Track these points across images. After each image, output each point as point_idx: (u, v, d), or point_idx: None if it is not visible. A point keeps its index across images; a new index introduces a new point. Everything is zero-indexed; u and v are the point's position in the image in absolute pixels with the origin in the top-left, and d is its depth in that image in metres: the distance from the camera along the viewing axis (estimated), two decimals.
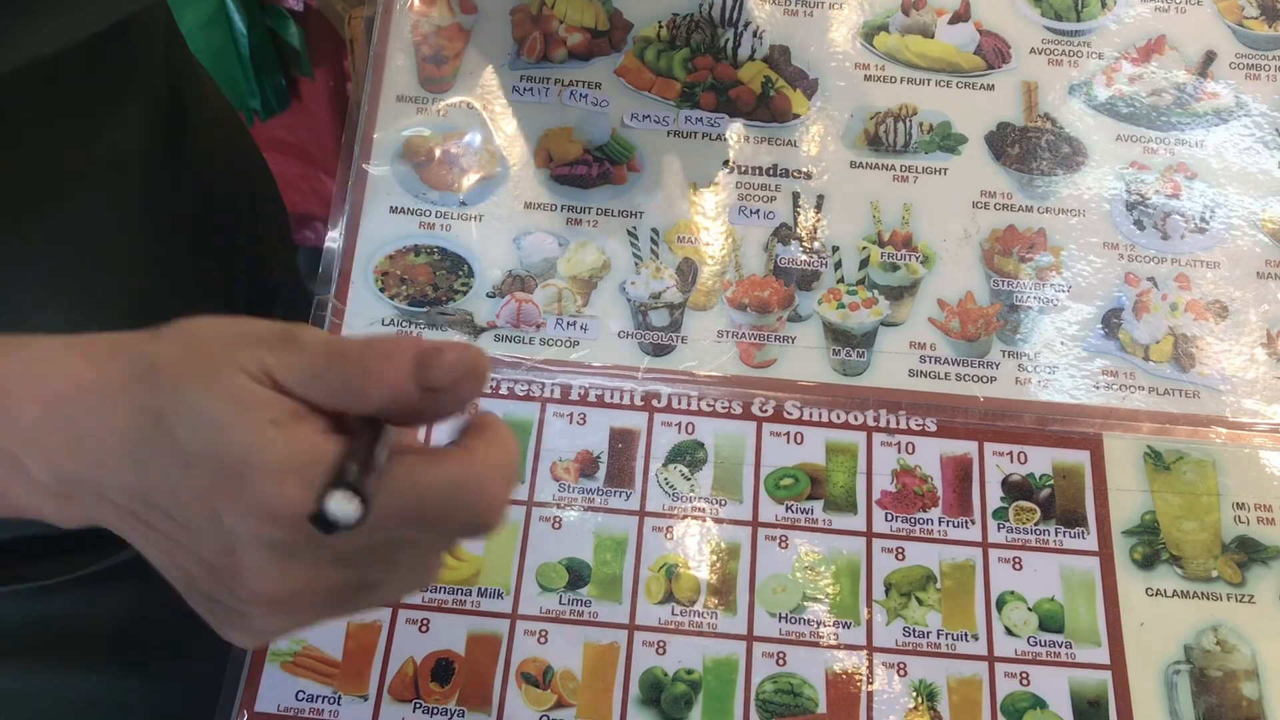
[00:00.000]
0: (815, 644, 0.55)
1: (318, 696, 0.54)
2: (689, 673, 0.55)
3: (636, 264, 0.64)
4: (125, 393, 0.37)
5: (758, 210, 0.65)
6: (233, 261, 0.69)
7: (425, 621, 0.56)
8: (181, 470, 0.35)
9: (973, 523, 0.58)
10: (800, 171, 0.66)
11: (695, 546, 0.58)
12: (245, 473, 0.34)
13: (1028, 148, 0.66)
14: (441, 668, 0.55)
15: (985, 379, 0.62)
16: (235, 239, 0.70)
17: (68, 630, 0.62)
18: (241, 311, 0.68)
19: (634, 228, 0.65)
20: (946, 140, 0.66)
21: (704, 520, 0.58)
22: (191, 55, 0.67)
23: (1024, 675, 0.55)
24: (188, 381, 0.36)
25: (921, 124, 0.67)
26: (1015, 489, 0.59)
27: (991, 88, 0.68)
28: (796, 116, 0.67)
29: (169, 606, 0.64)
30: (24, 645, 0.61)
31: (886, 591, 0.57)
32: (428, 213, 0.65)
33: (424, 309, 0.63)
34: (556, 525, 0.58)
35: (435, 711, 0.54)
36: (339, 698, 0.54)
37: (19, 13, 0.44)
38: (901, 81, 0.68)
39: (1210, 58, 0.68)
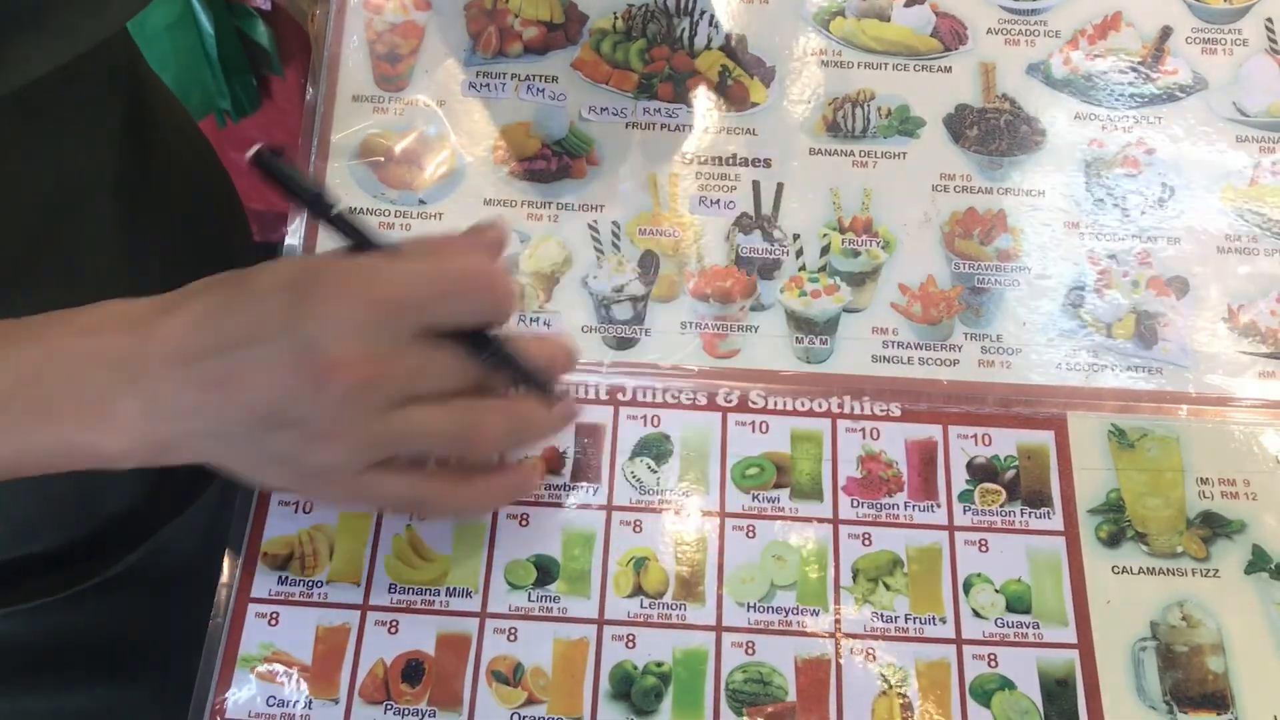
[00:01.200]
0: (784, 632, 0.56)
1: (289, 701, 0.54)
2: (659, 665, 0.55)
3: (598, 258, 0.64)
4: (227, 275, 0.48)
5: (718, 200, 0.65)
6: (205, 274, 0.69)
7: (394, 623, 0.56)
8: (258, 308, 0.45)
9: (938, 506, 0.59)
10: (760, 160, 0.66)
11: (663, 539, 0.58)
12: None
13: (986, 129, 0.66)
14: (412, 668, 0.55)
15: (948, 362, 0.62)
16: (205, 251, 0.69)
17: (70, 645, 0.62)
18: None
19: (595, 221, 0.65)
20: (905, 124, 0.66)
21: (671, 512, 0.58)
22: (149, 68, 0.67)
23: (992, 657, 0.55)
24: None
25: (880, 108, 0.67)
26: (980, 471, 0.59)
27: (949, 70, 0.67)
28: (755, 105, 0.67)
29: (162, 617, 0.64)
30: (23, 663, 0.62)
31: (854, 578, 0.57)
32: (387, 212, 0.65)
33: None
34: (524, 522, 0.58)
35: (406, 713, 0.54)
36: (310, 701, 0.54)
37: (10, 38, 0.44)
38: (859, 66, 0.67)
39: (1166, 33, 0.68)
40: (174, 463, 0.49)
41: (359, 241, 0.48)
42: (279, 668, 0.54)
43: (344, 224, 0.48)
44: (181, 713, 0.54)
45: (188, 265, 0.67)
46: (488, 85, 0.67)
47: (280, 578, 0.56)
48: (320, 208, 0.48)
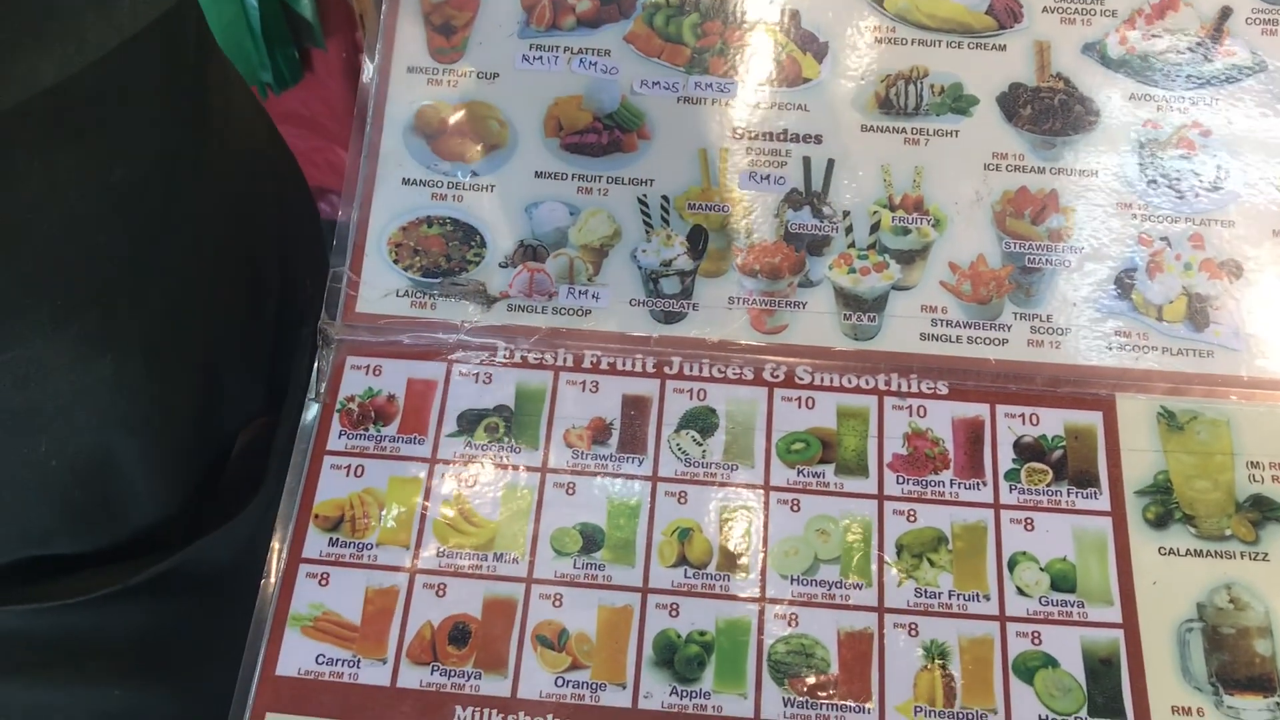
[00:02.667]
0: (827, 605, 0.56)
1: (338, 660, 0.55)
2: (702, 634, 0.55)
3: (647, 232, 0.64)
4: None
5: (768, 176, 0.65)
6: (260, 272, 0.68)
7: (442, 586, 0.57)
8: None
9: (984, 484, 0.59)
10: (811, 136, 0.66)
11: (707, 511, 0.58)
12: None
13: (1040, 108, 0.66)
14: (458, 631, 0.56)
15: (997, 341, 0.62)
16: (262, 249, 0.68)
17: (90, 646, 0.63)
18: (266, 326, 0.66)
19: (644, 195, 0.65)
20: (958, 102, 0.66)
21: (716, 485, 0.59)
22: (224, 59, 0.65)
23: (1035, 634, 0.55)
24: None
25: (933, 86, 0.66)
26: (1027, 450, 0.59)
27: (1003, 48, 0.67)
28: (807, 81, 0.67)
29: (188, 622, 0.64)
30: (47, 660, 0.62)
31: (898, 553, 0.57)
32: (440, 184, 0.65)
33: (437, 280, 0.63)
34: (570, 491, 0.59)
35: (452, 674, 0.55)
36: (358, 661, 0.55)
37: (14, 46, 0.43)
38: (912, 43, 0.67)
39: (1226, 13, 0.67)
40: None
41: None
42: (328, 628, 0.55)
43: None
44: (210, 715, 0.55)
45: (243, 264, 0.66)
46: (540, 58, 0.68)
47: (331, 539, 0.57)
48: None
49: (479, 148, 0.66)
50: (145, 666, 0.64)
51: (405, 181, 0.65)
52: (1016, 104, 0.66)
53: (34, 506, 0.58)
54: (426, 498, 0.58)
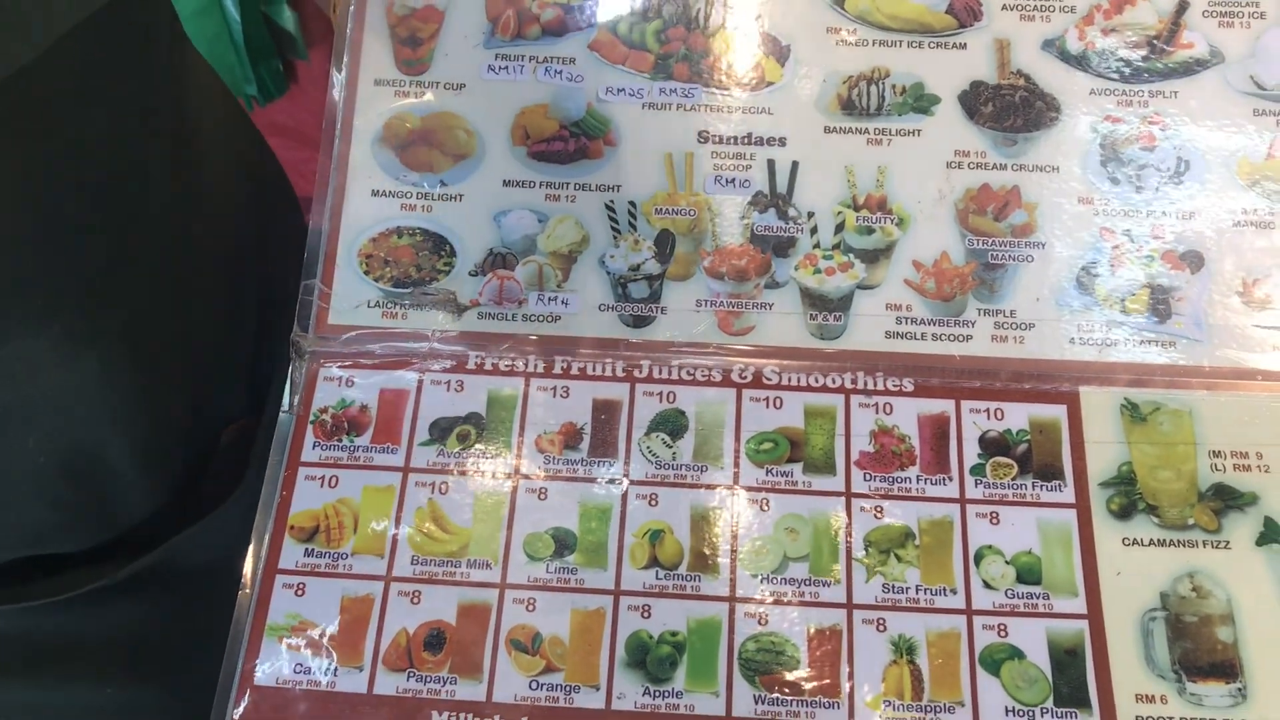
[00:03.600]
0: (796, 603, 0.57)
1: (315, 668, 0.56)
2: (673, 635, 0.56)
3: (615, 237, 0.65)
4: None
5: (733, 179, 0.66)
6: (240, 272, 0.68)
7: (417, 593, 0.57)
8: None
9: (950, 480, 0.59)
10: (775, 139, 0.66)
11: (678, 512, 0.59)
12: None
13: (1001, 105, 0.66)
14: (433, 637, 0.56)
15: (962, 338, 0.62)
16: (242, 250, 0.69)
17: (80, 644, 0.63)
18: (246, 326, 0.67)
19: (611, 201, 0.66)
20: (919, 101, 0.67)
21: (686, 486, 0.59)
22: (202, 61, 0.66)
23: (1002, 627, 0.56)
24: None
25: (894, 86, 0.67)
26: (992, 445, 0.60)
27: (964, 46, 0.68)
28: (770, 84, 0.67)
29: (175, 619, 0.64)
30: (38, 660, 0.63)
31: (866, 549, 0.58)
32: (409, 194, 0.66)
33: (408, 290, 0.64)
34: (543, 496, 0.60)
35: (428, 679, 0.55)
36: (335, 669, 0.56)
37: None
38: (873, 44, 0.68)
39: (1183, 7, 0.68)
40: None
41: None
42: (305, 637, 0.56)
43: None
44: (203, 709, 0.56)
45: (225, 258, 0.67)
46: (506, 68, 0.68)
47: (307, 550, 0.58)
48: None
49: (447, 158, 0.67)
50: (136, 663, 0.65)
51: (375, 193, 0.66)
52: (978, 102, 0.67)
53: (27, 504, 0.58)
54: (400, 506, 0.59)
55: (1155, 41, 0.67)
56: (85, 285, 0.54)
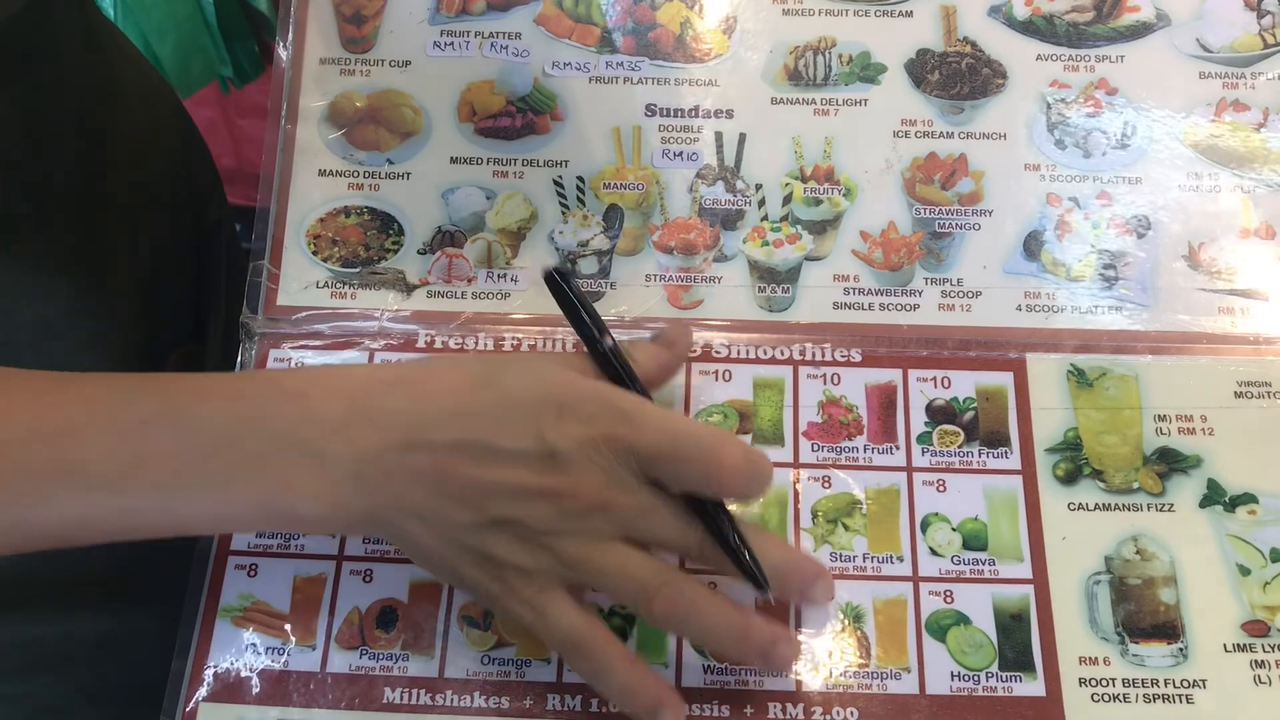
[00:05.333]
0: None
1: (269, 648, 0.56)
2: (624, 607, 0.57)
3: (564, 213, 0.65)
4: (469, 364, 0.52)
5: (681, 152, 0.66)
6: (175, 198, 0.72)
7: (369, 572, 0.58)
8: (506, 410, 0.48)
9: (897, 448, 0.60)
10: (722, 111, 0.66)
11: None
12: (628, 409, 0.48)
13: (948, 73, 0.66)
14: (386, 615, 0.57)
15: (909, 307, 0.63)
16: (176, 189, 0.72)
17: (75, 576, 0.64)
18: (185, 254, 0.71)
19: (560, 177, 0.66)
20: (866, 70, 0.67)
21: None
22: (117, 34, 0.68)
23: (948, 593, 0.57)
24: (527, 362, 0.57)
25: (841, 55, 0.67)
26: (939, 413, 0.60)
27: (910, 14, 0.68)
28: (716, 56, 0.67)
29: (172, 547, 0.65)
30: (35, 595, 0.63)
31: (814, 519, 0.58)
32: (355, 173, 0.66)
33: (356, 269, 0.64)
34: None
35: (380, 657, 0.56)
36: (289, 648, 0.56)
37: None
38: (819, 14, 0.68)
39: None
40: (368, 534, 0.55)
41: (621, 377, 0.52)
42: (258, 617, 0.57)
43: (613, 360, 0.52)
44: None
45: (161, 230, 0.69)
46: (452, 44, 0.68)
47: (258, 531, 0.59)
48: (595, 338, 0.52)
49: (394, 136, 0.67)
50: (133, 592, 0.66)
51: (321, 172, 0.66)
52: (924, 70, 0.67)
53: None
54: None
55: (1101, 6, 0.67)
56: (45, 218, 0.57)
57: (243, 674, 0.56)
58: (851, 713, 0.54)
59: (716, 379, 0.62)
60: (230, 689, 0.55)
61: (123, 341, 0.64)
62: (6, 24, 0.55)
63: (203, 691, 0.55)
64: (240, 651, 0.56)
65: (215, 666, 0.56)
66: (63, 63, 0.61)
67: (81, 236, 0.62)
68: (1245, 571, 0.56)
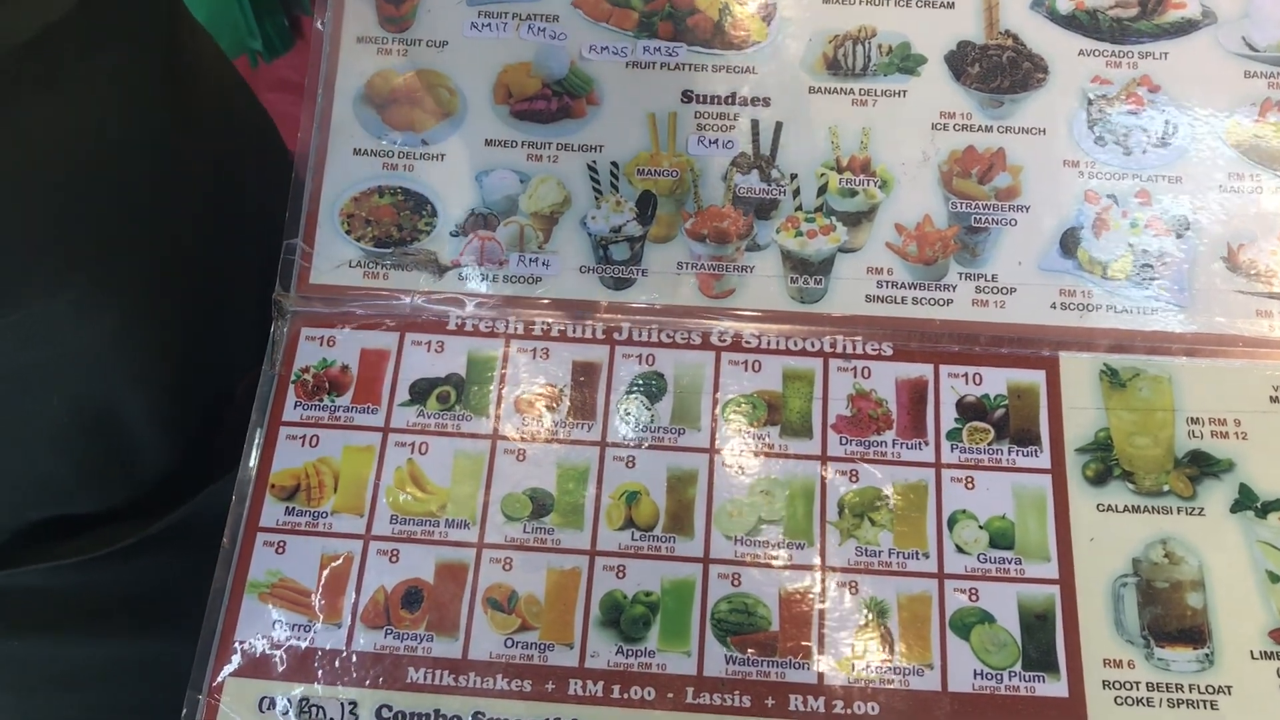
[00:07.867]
0: (769, 565, 0.57)
1: (295, 625, 0.57)
2: (647, 595, 0.57)
3: (597, 198, 0.65)
4: None
5: (716, 140, 0.65)
6: (245, 223, 0.69)
7: (395, 552, 0.58)
8: None
9: (926, 444, 0.59)
10: (759, 99, 0.66)
11: (654, 474, 0.59)
12: None
13: (988, 66, 0.66)
14: (411, 595, 0.57)
15: (942, 302, 0.62)
16: (246, 202, 0.70)
17: (111, 600, 0.65)
18: (253, 276, 0.69)
19: (593, 162, 0.65)
20: (906, 61, 0.66)
21: (663, 449, 0.60)
22: (193, 20, 0.67)
23: (973, 591, 0.56)
24: None
25: (880, 46, 0.66)
26: (970, 410, 0.60)
27: (951, 6, 0.67)
28: (755, 43, 0.67)
29: (202, 572, 0.66)
30: (70, 616, 0.64)
31: (840, 513, 0.58)
32: (390, 153, 0.66)
33: (389, 250, 0.64)
34: (521, 458, 0.60)
35: (405, 636, 0.56)
36: (315, 625, 0.57)
37: None
38: (860, 3, 0.67)
39: None
40: None
41: None
42: (285, 594, 0.57)
43: None
44: None
45: (228, 211, 0.67)
46: (489, 25, 0.68)
47: (287, 508, 0.59)
48: None
49: (429, 117, 0.66)
50: (165, 617, 0.66)
51: (356, 152, 0.66)
52: (964, 62, 0.66)
53: (52, 463, 0.60)
54: (380, 466, 0.60)
55: (1146, 1, 0.66)
56: (100, 246, 0.55)
57: (269, 650, 0.56)
58: (873, 708, 0.54)
59: (746, 369, 0.61)
60: (256, 664, 0.56)
61: (172, 372, 0.63)
62: None
63: (230, 667, 0.56)
64: (267, 628, 0.57)
65: (243, 642, 0.56)
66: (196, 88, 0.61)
67: (130, 259, 0.59)
68: (1275, 579, 0.56)
